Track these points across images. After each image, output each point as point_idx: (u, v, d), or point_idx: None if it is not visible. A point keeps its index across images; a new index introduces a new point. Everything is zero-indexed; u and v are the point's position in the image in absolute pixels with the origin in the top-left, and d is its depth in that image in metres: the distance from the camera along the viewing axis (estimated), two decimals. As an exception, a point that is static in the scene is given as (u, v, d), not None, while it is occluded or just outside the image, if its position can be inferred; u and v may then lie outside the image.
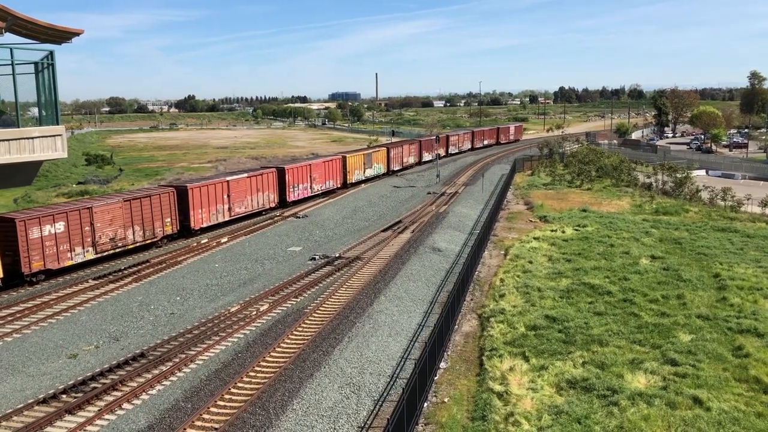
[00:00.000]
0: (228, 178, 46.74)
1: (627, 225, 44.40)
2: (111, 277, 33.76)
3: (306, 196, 56.32)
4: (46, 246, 32.61)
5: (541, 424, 17.78)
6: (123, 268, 35.46)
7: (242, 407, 19.08)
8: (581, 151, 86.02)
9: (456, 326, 26.11)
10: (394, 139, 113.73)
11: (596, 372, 20.79)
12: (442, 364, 22.56)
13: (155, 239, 39.74)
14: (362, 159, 67.27)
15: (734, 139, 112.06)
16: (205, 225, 43.72)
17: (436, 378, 21.42)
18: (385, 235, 42.72)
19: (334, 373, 21.18)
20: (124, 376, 21.44)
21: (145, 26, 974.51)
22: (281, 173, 52.85)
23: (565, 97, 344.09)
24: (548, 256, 36.04)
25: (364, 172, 67.71)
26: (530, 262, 34.60)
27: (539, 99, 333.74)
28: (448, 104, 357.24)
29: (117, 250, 36.98)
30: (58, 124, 14.74)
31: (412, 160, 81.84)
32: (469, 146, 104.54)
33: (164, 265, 36.04)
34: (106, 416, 19.00)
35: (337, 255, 37.64)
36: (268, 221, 48.56)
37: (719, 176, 73.84)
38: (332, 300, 29.26)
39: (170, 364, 22.53)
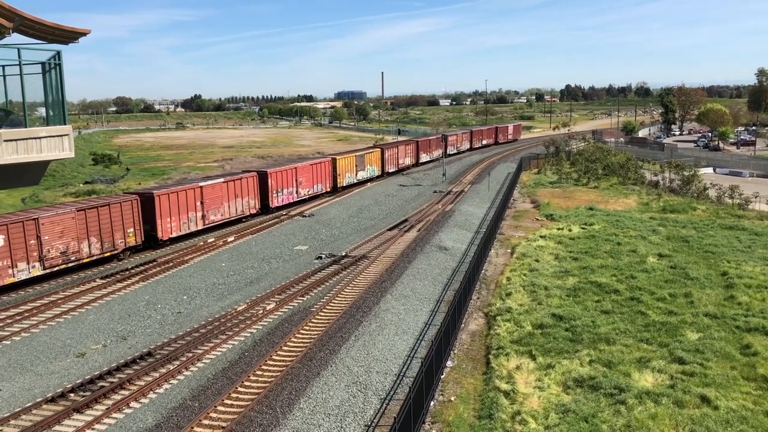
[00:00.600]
0: (201, 184, 43.61)
1: (634, 223, 44.24)
2: (118, 276, 33.88)
3: (291, 201, 53.39)
4: None
5: (548, 422, 17.75)
6: (130, 267, 35.58)
7: (249, 406, 19.12)
8: (588, 149, 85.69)
9: (462, 325, 26.08)
10: (400, 138, 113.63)
11: (603, 370, 20.73)
12: (449, 363, 22.54)
13: (115, 252, 36.49)
14: (354, 161, 64.32)
15: (742, 137, 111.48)
16: (174, 235, 40.67)
17: (442, 377, 21.40)
18: (392, 234, 42.72)
19: (340, 372, 21.20)
20: (131, 374, 21.52)
21: (153, 26, 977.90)
22: (263, 177, 49.86)
23: (571, 95, 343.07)
24: (555, 255, 35.95)
25: (356, 175, 64.72)
26: (537, 261, 34.52)
27: (545, 97, 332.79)
28: (454, 103, 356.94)
29: (70, 265, 33.78)
30: (65, 123, 14.79)
31: (408, 161, 79.06)
32: (468, 146, 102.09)
33: (171, 264, 36.15)
34: (114, 415, 19.08)
35: (344, 254, 37.66)
36: (274, 220, 48.61)
37: (727, 174, 73.44)
38: (339, 299, 29.28)
39: (177, 362, 22.60)
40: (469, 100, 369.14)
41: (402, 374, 21.30)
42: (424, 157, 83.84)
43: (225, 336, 24.96)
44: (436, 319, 26.27)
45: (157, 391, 20.57)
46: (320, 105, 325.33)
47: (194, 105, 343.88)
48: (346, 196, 59.73)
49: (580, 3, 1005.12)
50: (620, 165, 70.49)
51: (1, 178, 14.63)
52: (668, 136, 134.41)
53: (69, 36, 14.73)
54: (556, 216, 47.79)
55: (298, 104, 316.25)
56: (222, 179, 45.90)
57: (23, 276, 31.54)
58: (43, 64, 14.70)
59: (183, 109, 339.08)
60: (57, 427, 18.56)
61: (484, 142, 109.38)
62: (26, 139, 13.88)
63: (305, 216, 50.20)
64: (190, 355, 23.28)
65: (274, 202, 51.01)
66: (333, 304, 28.48)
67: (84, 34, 14.77)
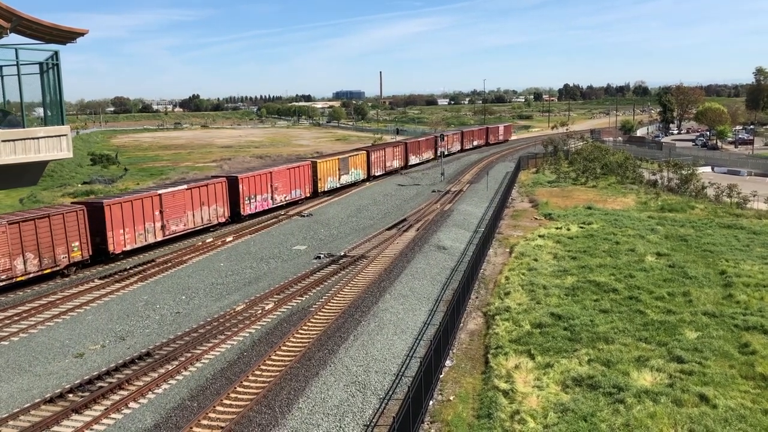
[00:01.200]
0: (160, 191, 40.40)
1: (632, 222, 44.27)
2: (117, 276, 33.84)
3: (266, 208, 50.28)
4: None
5: (546, 421, 17.76)
6: (128, 267, 35.55)
7: (248, 406, 19.11)
8: (586, 148, 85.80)
9: (461, 324, 26.09)
10: (399, 138, 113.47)
11: (602, 369, 20.75)
12: (448, 363, 22.54)
13: (58, 268, 33.21)
14: (336, 164, 61.15)
15: (740, 136, 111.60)
16: (129, 248, 37.31)
17: (441, 376, 21.40)
18: (390, 234, 42.73)
19: (339, 372, 21.20)
20: (130, 375, 21.50)
21: (153, 26, 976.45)
22: (233, 183, 46.70)
23: (569, 94, 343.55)
24: (553, 254, 35.97)
25: (339, 179, 61.46)
26: (535, 260, 34.54)
27: (544, 96, 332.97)
28: (452, 102, 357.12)
29: (1, 284, 30.62)
30: (63, 124, 14.79)
31: (396, 164, 75.91)
32: (459, 148, 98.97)
33: (169, 264, 36.12)
34: (113, 415, 19.07)
35: (342, 253, 37.66)
36: (273, 220, 48.59)
37: (725, 173, 73.52)
38: (337, 298, 29.28)
39: (176, 363, 22.58)
40: (467, 99, 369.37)
41: (401, 374, 21.30)
42: (413, 160, 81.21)
43: (224, 336, 24.95)
44: (435, 318, 26.27)
45: (155, 391, 20.55)
46: (318, 105, 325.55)
47: (192, 105, 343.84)
48: (345, 196, 59.72)
49: (578, 2, 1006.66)
50: (618, 164, 70.57)
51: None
52: (666, 135, 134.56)
53: (67, 36, 14.72)
54: (555, 215, 47.82)
55: (296, 104, 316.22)
56: (185, 186, 42.73)
57: None
58: (40, 64, 14.68)
59: (181, 109, 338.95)
60: (56, 428, 18.53)
61: (475, 143, 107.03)
62: (24, 139, 13.87)
63: (304, 216, 50.19)
64: (189, 355, 23.27)
65: (246, 210, 47.89)
66: (332, 304, 28.47)
67: (82, 34, 14.76)
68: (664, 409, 18.08)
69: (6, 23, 13.13)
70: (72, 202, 39.51)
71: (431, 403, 19.59)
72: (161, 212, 39.71)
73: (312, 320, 26.45)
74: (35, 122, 15.01)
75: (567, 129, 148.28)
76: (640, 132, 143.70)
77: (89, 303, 29.66)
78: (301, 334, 25.05)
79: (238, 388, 20.47)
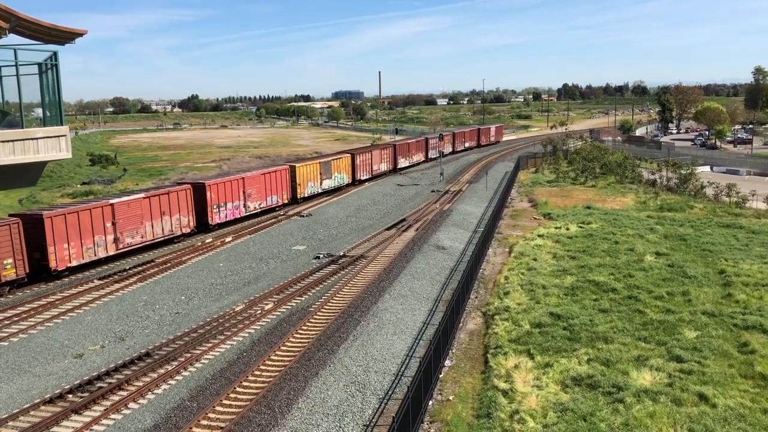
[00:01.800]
0: (113, 201, 36.70)
1: (631, 222, 44.29)
2: (116, 276, 33.83)
3: (238, 216, 47.10)
4: None
5: (546, 421, 17.77)
6: (128, 268, 35.53)
7: (248, 406, 19.12)
8: (585, 148, 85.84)
9: (461, 324, 26.10)
10: (398, 138, 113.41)
11: (601, 369, 20.76)
12: (447, 362, 22.55)
13: None
14: (317, 168, 57.81)
15: (739, 135, 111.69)
16: (75, 263, 34.03)
17: (441, 376, 21.41)
18: (389, 234, 42.74)
19: (339, 372, 21.20)
20: (129, 375, 21.50)
21: (152, 26, 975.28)
22: (200, 190, 43.39)
23: (568, 94, 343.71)
24: (553, 254, 35.99)
25: (320, 184, 58.23)
26: (535, 260, 34.55)
27: (543, 96, 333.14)
28: (451, 102, 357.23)
29: None
30: (62, 124, 14.80)
31: (384, 167, 72.48)
32: (450, 149, 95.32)
33: (169, 264, 36.11)
34: (112, 416, 19.07)
35: (342, 253, 37.66)
36: (272, 220, 48.58)
37: (724, 172, 73.56)
38: (337, 298, 29.28)
39: (175, 363, 22.58)
40: (466, 99, 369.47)
41: (400, 374, 21.31)
42: (402, 162, 77.84)
43: (223, 336, 24.95)
44: (435, 318, 26.28)
45: (155, 391, 20.55)
46: (318, 105, 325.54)
47: (191, 105, 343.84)
48: (344, 196, 59.73)
49: (578, 2, 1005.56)
50: (618, 164, 70.62)
51: (-2, 179, 14.62)
52: (665, 135, 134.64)
53: (66, 36, 14.73)
54: (554, 215, 47.84)
55: (295, 104, 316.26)
56: (143, 194, 39.11)
57: None
58: (39, 64, 14.69)
59: (180, 110, 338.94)
60: (55, 429, 18.53)
61: (467, 144, 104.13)
62: (23, 139, 13.87)
63: (303, 216, 50.18)
64: (189, 355, 23.26)
65: (215, 219, 44.63)
66: (331, 304, 28.48)
67: (80, 34, 14.77)
68: (663, 408, 18.09)
69: (5, 24, 13.14)
70: (9, 215, 34.79)
71: (431, 402, 19.60)
72: (114, 224, 36.18)
73: (311, 320, 26.45)
74: (34, 123, 15.02)
75: (566, 129, 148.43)
76: (639, 132, 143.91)
77: (88, 303, 29.65)
78: (301, 334, 25.05)
79: (238, 389, 20.47)
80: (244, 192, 47.65)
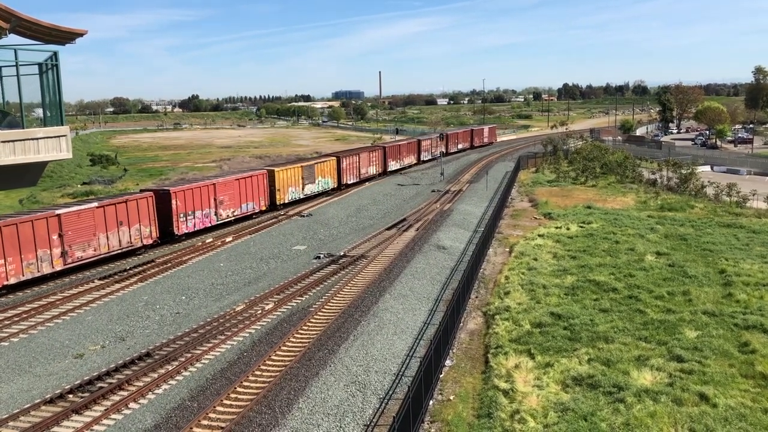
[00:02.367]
0: (59, 211, 33.48)
1: (632, 221, 44.28)
2: (116, 276, 33.84)
3: (209, 225, 44.11)
4: None
5: (547, 421, 17.76)
6: (128, 268, 35.54)
7: (248, 406, 19.12)
8: (585, 147, 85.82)
9: (461, 324, 26.09)
10: (398, 137, 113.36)
11: (602, 369, 20.75)
12: (448, 362, 22.55)
13: None
14: (299, 173, 54.88)
15: (739, 135, 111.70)
16: (13, 281, 30.91)
17: (441, 376, 21.41)
18: (390, 234, 42.74)
19: (339, 372, 21.20)
20: (130, 375, 21.50)
21: (152, 26, 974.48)
22: (164, 198, 40.43)
23: (569, 93, 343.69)
24: (553, 254, 35.98)
25: (302, 189, 55.34)
26: (535, 260, 34.55)
27: (543, 96, 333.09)
28: (451, 102, 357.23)
29: None
30: (62, 124, 14.79)
31: (372, 170, 69.67)
32: (444, 151, 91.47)
33: (169, 264, 36.12)
34: (113, 416, 19.07)
35: (342, 253, 37.66)
36: (272, 220, 48.57)
37: (724, 172, 73.56)
38: (337, 298, 29.28)
39: (176, 363, 22.58)
40: (466, 99, 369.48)
41: (401, 373, 21.30)
42: (393, 165, 75.08)
43: (224, 336, 24.95)
44: (435, 318, 26.28)
45: (156, 391, 20.55)
46: (318, 105, 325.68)
47: (192, 105, 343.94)
48: (345, 196, 59.73)
49: (578, 2, 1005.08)
50: (618, 163, 70.61)
51: (-1, 179, 14.62)
52: (666, 135, 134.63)
53: (66, 36, 14.73)
54: (555, 215, 47.83)
55: (295, 104, 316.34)
56: (95, 203, 35.67)
57: None
58: (40, 65, 14.68)
59: (180, 110, 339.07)
60: (55, 429, 18.53)
61: (460, 146, 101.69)
62: (24, 140, 13.87)
63: (303, 216, 50.19)
64: (189, 355, 23.27)
65: (182, 229, 41.60)
66: (331, 304, 28.48)
67: (81, 34, 14.77)
68: (664, 408, 18.09)
69: (5, 24, 13.14)
70: None
71: (431, 402, 19.59)
72: (61, 236, 32.99)
73: (312, 320, 26.45)
74: (35, 123, 15.01)
75: (566, 128, 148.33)
76: (639, 131, 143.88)
77: (89, 303, 29.66)
78: (301, 334, 25.05)
79: (238, 389, 20.47)
80: (215, 199, 44.71)
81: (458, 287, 25.76)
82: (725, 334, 23.57)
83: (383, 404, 19.31)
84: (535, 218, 47.79)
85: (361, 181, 67.30)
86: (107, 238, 35.94)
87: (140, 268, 35.43)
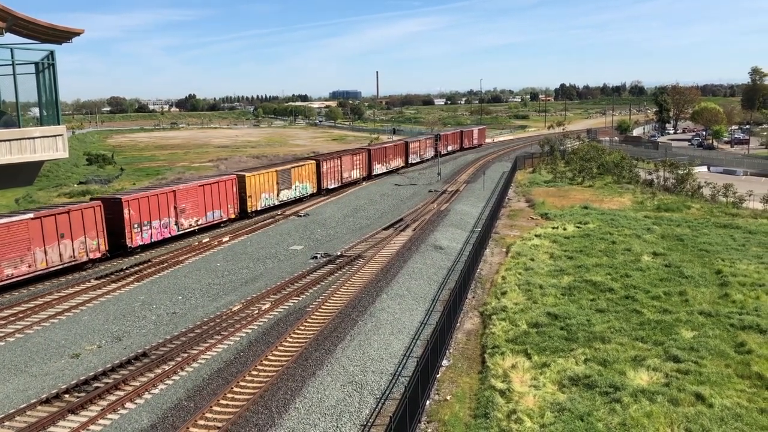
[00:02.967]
0: None
1: (629, 222, 44.36)
2: (113, 276, 33.77)
3: (168, 236, 40.86)
4: None
5: (543, 421, 17.78)
6: (125, 267, 35.47)
7: (245, 406, 19.10)
8: (582, 148, 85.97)
9: (458, 324, 26.11)
10: (395, 137, 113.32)
11: (598, 369, 20.78)
12: (445, 362, 22.56)
13: None
14: (273, 178, 51.63)
15: (736, 136, 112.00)
16: None
17: (438, 376, 21.42)
18: (387, 234, 42.74)
19: (336, 372, 21.19)
20: (126, 375, 21.46)
21: (150, 26, 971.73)
22: (114, 207, 37.12)
23: (566, 94, 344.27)
24: (550, 254, 36.02)
25: (277, 195, 52.04)
26: (532, 260, 34.58)
27: (540, 96, 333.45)
28: (449, 102, 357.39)
29: None
30: (59, 124, 14.75)
31: (356, 174, 66.24)
32: (433, 154, 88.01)
33: (166, 264, 36.06)
34: (109, 416, 19.03)
35: (339, 253, 37.65)
36: (269, 220, 48.52)
37: (721, 172, 73.76)
38: (334, 298, 29.27)
39: (172, 363, 22.55)
40: (464, 99, 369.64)
41: (398, 373, 21.31)
42: (379, 169, 71.89)
43: (220, 336, 24.92)
44: (432, 318, 26.29)
45: (152, 391, 20.51)
46: (315, 104, 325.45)
47: (189, 105, 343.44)
48: (342, 196, 59.72)
49: (578, 2, 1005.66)
50: (615, 164, 70.72)
51: (-5, 178, 14.58)
52: (663, 135, 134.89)
53: (63, 36, 14.70)
54: (551, 215, 47.89)
55: (293, 104, 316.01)
56: (30, 215, 32.12)
57: None
58: (36, 64, 14.64)
59: (177, 109, 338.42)
60: (51, 428, 18.49)
61: (450, 148, 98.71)
62: (20, 139, 13.83)
63: (300, 216, 50.16)
64: (186, 355, 23.23)
65: (135, 240, 38.24)
66: (328, 304, 28.46)
67: (77, 33, 14.74)
68: (660, 408, 18.12)
69: (2, 23, 13.11)
70: None
71: (428, 402, 19.60)
72: None
73: (309, 320, 26.43)
74: (31, 122, 14.97)
75: (563, 129, 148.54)
76: (636, 132, 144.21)
77: (85, 303, 29.60)
78: (298, 334, 25.04)
79: (235, 388, 20.45)
80: (175, 207, 41.29)
81: (455, 287, 25.78)
82: (721, 335, 23.63)
83: (380, 404, 19.31)
84: (532, 218, 47.84)
85: (344, 186, 63.82)
86: (45, 252, 32.47)
87: (137, 268, 35.34)
